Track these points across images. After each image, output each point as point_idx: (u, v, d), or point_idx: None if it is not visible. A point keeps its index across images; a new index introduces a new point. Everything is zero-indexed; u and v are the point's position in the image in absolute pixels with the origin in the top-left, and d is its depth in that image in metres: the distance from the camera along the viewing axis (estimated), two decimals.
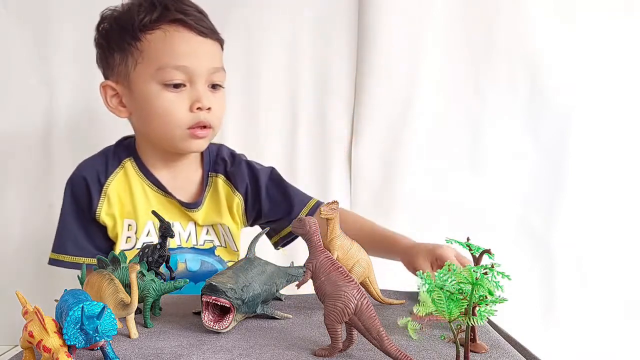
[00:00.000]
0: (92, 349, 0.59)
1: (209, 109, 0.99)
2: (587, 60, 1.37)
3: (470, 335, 0.62)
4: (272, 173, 1.14)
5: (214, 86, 1.02)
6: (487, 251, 0.63)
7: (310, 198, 1.13)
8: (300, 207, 1.11)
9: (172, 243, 1.03)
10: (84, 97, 1.37)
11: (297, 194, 1.13)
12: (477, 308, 0.58)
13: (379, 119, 1.40)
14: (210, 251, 1.08)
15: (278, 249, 1.15)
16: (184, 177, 1.09)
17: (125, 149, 1.08)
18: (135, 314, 0.67)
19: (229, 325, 0.68)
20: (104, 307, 0.54)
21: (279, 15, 1.38)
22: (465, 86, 1.40)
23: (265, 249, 1.13)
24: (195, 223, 1.08)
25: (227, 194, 1.10)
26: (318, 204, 1.12)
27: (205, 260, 1.08)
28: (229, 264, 1.08)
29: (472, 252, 0.64)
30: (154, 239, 1.03)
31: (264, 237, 1.12)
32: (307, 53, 1.39)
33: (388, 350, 0.57)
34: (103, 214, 1.02)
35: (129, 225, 1.04)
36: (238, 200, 1.10)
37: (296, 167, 1.42)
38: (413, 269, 0.90)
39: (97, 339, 0.54)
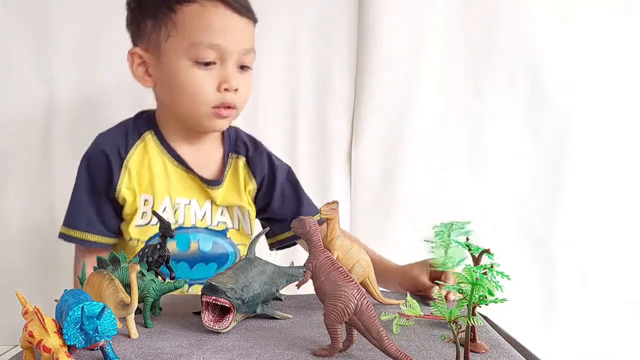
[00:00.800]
0: (92, 349, 0.59)
1: (236, 90, 0.97)
2: (587, 60, 1.37)
3: (470, 335, 0.62)
4: (290, 173, 1.14)
5: (243, 67, 1.00)
6: (487, 251, 0.63)
7: (317, 211, 1.12)
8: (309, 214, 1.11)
9: (186, 222, 1.03)
10: (84, 97, 1.37)
11: (308, 203, 1.12)
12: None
13: (379, 119, 1.40)
14: (223, 233, 1.07)
15: (272, 250, 1.14)
16: (205, 155, 1.07)
17: (145, 122, 1.05)
18: (135, 314, 0.67)
19: (229, 325, 0.68)
20: (104, 307, 0.55)
21: (279, 15, 1.38)
22: (465, 86, 1.40)
23: (266, 249, 1.13)
24: (212, 202, 1.06)
25: (244, 177, 1.09)
26: (321, 221, 1.10)
27: (217, 241, 1.06)
28: (239, 247, 1.08)
29: (472, 252, 0.64)
30: (170, 216, 1.02)
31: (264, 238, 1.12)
32: (307, 53, 1.39)
33: (388, 350, 0.57)
34: (124, 188, 1.00)
35: (146, 200, 1.01)
36: (252, 187, 1.09)
37: (296, 167, 1.41)
38: (415, 286, 0.90)
39: (97, 339, 0.54)
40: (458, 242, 0.67)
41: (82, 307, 0.54)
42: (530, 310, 1.41)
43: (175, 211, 1.02)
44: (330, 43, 1.40)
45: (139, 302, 0.66)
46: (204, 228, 1.05)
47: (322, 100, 1.42)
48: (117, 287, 0.65)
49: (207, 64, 0.95)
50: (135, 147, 1.02)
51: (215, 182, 1.05)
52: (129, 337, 0.67)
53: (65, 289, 0.61)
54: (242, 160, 1.09)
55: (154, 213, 0.81)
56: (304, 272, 0.62)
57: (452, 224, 0.77)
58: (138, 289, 0.66)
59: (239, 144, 1.11)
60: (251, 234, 1.10)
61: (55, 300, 0.60)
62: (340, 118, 1.42)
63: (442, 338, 0.67)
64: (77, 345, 0.54)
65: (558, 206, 1.41)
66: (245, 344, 0.65)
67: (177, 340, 0.66)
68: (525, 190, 1.42)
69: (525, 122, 1.40)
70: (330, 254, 0.62)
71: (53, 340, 0.54)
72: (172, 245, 1.00)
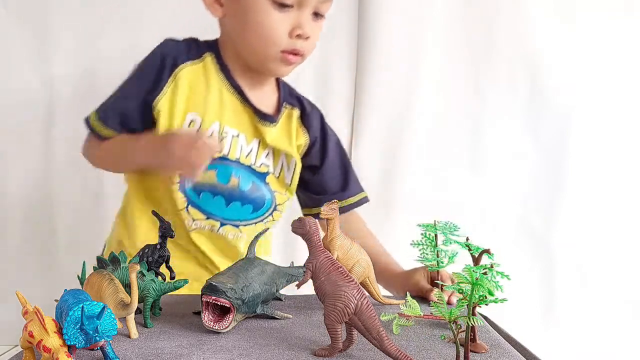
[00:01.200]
0: (92, 349, 0.59)
1: (307, 37, 0.95)
2: (587, 60, 1.37)
3: (470, 335, 0.62)
4: (339, 142, 1.13)
5: (316, 14, 0.96)
6: (487, 251, 0.63)
7: (362, 189, 1.13)
8: (355, 190, 1.11)
9: (231, 154, 0.98)
10: (84, 97, 1.37)
11: (355, 178, 1.12)
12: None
13: (379, 119, 1.40)
14: (263, 176, 1.03)
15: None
16: (261, 94, 1.03)
17: (207, 45, 1.01)
18: (135, 314, 0.67)
19: (229, 325, 0.68)
20: (104, 307, 0.54)
21: None
22: (465, 86, 1.40)
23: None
24: (260, 142, 1.02)
25: (296, 129, 1.06)
26: (366, 200, 1.12)
27: (257, 183, 1.03)
28: (276, 195, 1.05)
29: (472, 252, 0.64)
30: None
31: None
32: None
33: (388, 350, 0.57)
34: (164, 99, 0.95)
35: (192, 121, 0.96)
36: (302, 142, 1.07)
37: None
38: (416, 291, 0.89)
39: (97, 339, 0.54)
40: (458, 243, 0.67)
41: (82, 307, 0.54)
42: (530, 310, 1.42)
43: (222, 140, 0.98)
44: (330, 43, 1.40)
45: (139, 302, 0.66)
46: (247, 166, 1.01)
47: (322, 100, 1.42)
48: (117, 287, 0.65)
49: (285, 6, 0.92)
50: (192, 64, 0.98)
51: (270, 119, 1.02)
52: (129, 337, 0.66)
53: (65, 289, 0.61)
54: (296, 113, 1.07)
55: (154, 213, 0.80)
56: (304, 272, 0.62)
57: (436, 223, 0.77)
58: (138, 289, 0.66)
59: (293, 97, 1.09)
60: (290, 186, 1.07)
61: (55, 300, 0.60)
62: (340, 118, 1.42)
63: (442, 338, 0.67)
64: (77, 345, 0.54)
65: (558, 206, 1.41)
66: (245, 344, 0.65)
67: (177, 340, 0.66)
68: (525, 190, 1.42)
69: (525, 122, 1.40)
70: (330, 254, 0.63)
71: (53, 340, 0.54)
72: (211, 175, 0.97)
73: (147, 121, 0.95)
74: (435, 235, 0.76)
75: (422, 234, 0.77)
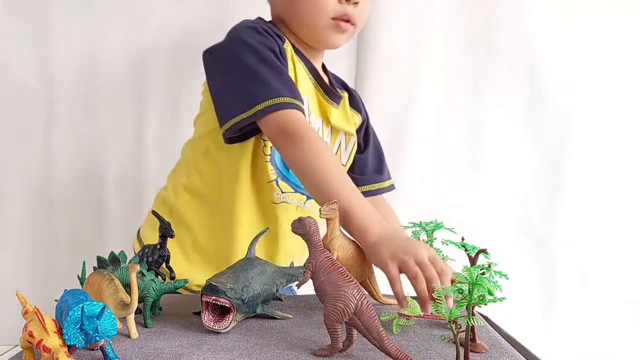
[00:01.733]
0: (92, 349, 0.59)
1: (356, 2, 0.95)
2: (587, 60, 1.37)
3: (470, 335, 0.62)
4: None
5: None
6: (483, 251, 0.63)
7: (390, 177, 1.17)
8: (388, 175, 1.16)
9: None
10: (83, 97, 1.37)
11: (386, 162, 1.16)
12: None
13: (379, 119, 1.39)
14: None
15: None
16: (320, 71, 1.05)
17: (275, 28, 1.00)
18: (135, 314, 0.67)
19: (229, 325, 0.68)
20: (104, 307, 0.55)
21: None
22: (465, 86, 1.40)
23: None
24: (323, 123, 1.03)
25: (349, 109, 1.09)
26: (394, 187, 1.17)
27: None
28: None
29: (468, 252, 0.64)
30: (312, 119, 0.98)
31: None
32: None
33: (388, 350, 0.57)
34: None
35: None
36: (357, 120, 1.10)
37: None
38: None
39: (97, 339, 0.54)
40: (454, 243, 0.67)
41: (82, 307, 0.54)
42: (530, 310, 1.41)
43: (308, 116, 0.99)
44: None
45: (139, 302, 0.66)
46: None
47: None
48: (117, 287, 0.65)
49: None
50: (286, 41, 0.98)
51: (337, 99, 1.04)
52: (129, 337, 0.67)
53: (65, 289, 0.61)
54: (345, 95, 1.09)
55: (154, 213, 0.80)
56: (304, 272, 0.62)
57: (421, 223, 0.80)
58: (138, 289, 0.66)
59: (338, 80, 1.10)
60: (345, 165, 1.09)
61: (55, 300, 0.60)
62: None
63: (442, 338, 0.67)
64: (77, 345, 0.54)
65: (558, 206, 1.41)
66: (245, 344, 0.65)
67: (177, 340, 0.66)
68: (525, 190, 1.42)
69: (525, 122, 1.40)
70: (330, 254, 0.63)
71: (53, 340, 0.54)
72: None
73: None
74: (419, 236, 0.78)
75: (411, 234, 0.79)
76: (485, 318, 0.80)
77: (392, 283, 0.70)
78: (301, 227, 0.63)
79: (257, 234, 0.84)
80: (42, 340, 0.54)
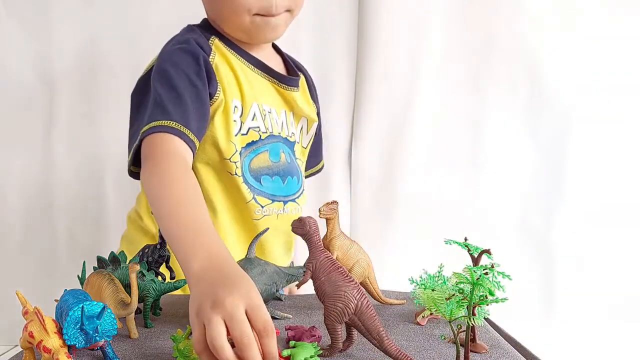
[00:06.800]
0: (92, 349, 0.59)
1: None
2: (587, 60, 1.37)
3: (470, 335, 0.62)
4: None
5: None
6: (486, 251, 0.63)
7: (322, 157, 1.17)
8: (322, 155, 1.17)
9: (274, 129, 0.95)
10: (83, 97, 1.37)
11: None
12: (476, 308, 0.58)
13: (379, 119, 1.40)
14: (293, 145, 1.00)
15: None
16: (269, 58, 0.98)
17: (205, 29, 0.93)
18: (135, 314, 0.67)
19: None
20: (104, 307, 0.55)
21: None
22: (465, 86, 1.40)
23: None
24: (286, 112, 0.98)
25: (309, 94, 1.05)
26: (323, 167, 1.18)
27: (290, 155, 0.99)
28: (299, 163, 1.03)
29: (471, 252, 0.64)
30: (260, 123, 0.93)
31: None
32: (307, 54, 1.39)
33: (388, 350, 0.57)
34: (222, 93, 0.88)
35: (235, 107, 0.90)
36: (314, 107, 1.07)
37: None
38: None
39: (97, 339, 0.54)
40: (457, 243, 0.67)
41: (82, 307, 0.54)
42: (530, 310, 1.41)
43: (264, 118, 0.94)
44: (330, 44, 1.40)
45: (139, 302, 0.66)
46: (284, 138, 0.98)
47: (322, 101, 1.41)
48: (117, 287, 0.65)
49: None
50: (211, 51, 0.89)
51: (294, 82, 0.98)
52: (129, 337, 0.67)
53: (65, 289, 0.61)
54: (302, 77, 1.03)
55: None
56: (304, 272, 0.62)
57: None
58: (138, 289, 0.66)
59: (293, 61, 1.04)
60: (306, 148, 1.07)
61: (55, 300, 0.60)
62: (340, 118, 1.42)
63: (442, 338, 0.67)
64: (77, 345, 0.54)
65: (558, 206, 1.41)
66: None
67: None
68: (525, 190, 1.42)
69: (525, 122, 1.40)
70: (330, 254, 0.63)
71: (53, 341, 0.54)
72: (264, 157, 0.94)
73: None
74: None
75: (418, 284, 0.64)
76: (485, 318, 0.80)
77: (198, 352, 0.51)
78: (301, 227, 0.63)
79: (257, 234, 0.84)
80: (42, 340, 0.54)
